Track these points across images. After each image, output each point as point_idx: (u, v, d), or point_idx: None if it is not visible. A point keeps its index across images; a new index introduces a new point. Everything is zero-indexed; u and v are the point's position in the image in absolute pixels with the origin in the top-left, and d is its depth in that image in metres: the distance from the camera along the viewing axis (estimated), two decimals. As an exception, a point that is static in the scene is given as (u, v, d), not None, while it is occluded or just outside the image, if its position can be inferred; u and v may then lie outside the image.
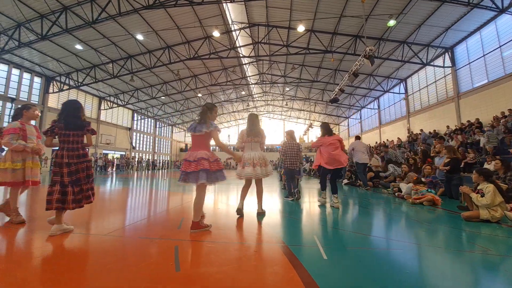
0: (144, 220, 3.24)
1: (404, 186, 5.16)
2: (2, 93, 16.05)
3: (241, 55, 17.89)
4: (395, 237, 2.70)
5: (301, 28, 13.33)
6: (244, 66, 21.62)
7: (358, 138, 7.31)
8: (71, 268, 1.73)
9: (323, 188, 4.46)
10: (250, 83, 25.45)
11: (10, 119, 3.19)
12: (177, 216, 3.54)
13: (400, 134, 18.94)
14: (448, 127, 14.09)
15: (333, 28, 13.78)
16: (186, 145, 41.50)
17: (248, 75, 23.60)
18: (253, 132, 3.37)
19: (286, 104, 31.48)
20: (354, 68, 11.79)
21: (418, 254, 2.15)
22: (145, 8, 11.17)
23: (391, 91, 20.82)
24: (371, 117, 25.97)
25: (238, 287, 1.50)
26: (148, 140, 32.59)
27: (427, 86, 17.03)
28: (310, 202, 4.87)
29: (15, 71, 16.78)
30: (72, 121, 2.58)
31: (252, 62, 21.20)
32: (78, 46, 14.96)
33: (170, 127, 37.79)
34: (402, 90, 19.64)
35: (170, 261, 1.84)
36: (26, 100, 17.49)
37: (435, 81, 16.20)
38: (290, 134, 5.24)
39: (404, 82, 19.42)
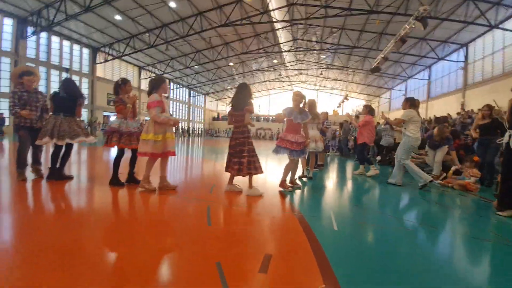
0: (183, 183, 3.81)
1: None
2: (58, 64, 17.98)
3: (274, 20, 16.77)
4: (408, 218, 2.70)
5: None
6: (277, 31, 20.35)
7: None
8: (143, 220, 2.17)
9: (370, 162, 5.30)
10: (283, 50, 24.11)
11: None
12: (209, 182, 4.02)
13: (451, 110, 16.73)
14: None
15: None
16: (218, 114, 42.70)
17: (281, 42, 22.28)
18: (315, 116, 4.35)
19: (321, 74, 29.50)
20: (402, 33, 10.32)
21: (427, 236, 2.14)
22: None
23: (446, 58, 17.95)
24: (418, 88, 23.13)
25: (254, 242, 1.83)
26: (183, 108, 34.26)
27: (492, 53, 14.22)
28: (337, 178, 4.92)
29: (66, 43, 18.39)
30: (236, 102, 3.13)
31: (286, 27, 19.78)
32: (118, 17, 15.56)
33: (203, 96, 38.84)
34: (461, 58, 16.78)
35: (204, 218, 2.25)
36: (78, 70, 19.41)
37: (503, 48, 13.40)
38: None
39: (464, 48, 16.47)
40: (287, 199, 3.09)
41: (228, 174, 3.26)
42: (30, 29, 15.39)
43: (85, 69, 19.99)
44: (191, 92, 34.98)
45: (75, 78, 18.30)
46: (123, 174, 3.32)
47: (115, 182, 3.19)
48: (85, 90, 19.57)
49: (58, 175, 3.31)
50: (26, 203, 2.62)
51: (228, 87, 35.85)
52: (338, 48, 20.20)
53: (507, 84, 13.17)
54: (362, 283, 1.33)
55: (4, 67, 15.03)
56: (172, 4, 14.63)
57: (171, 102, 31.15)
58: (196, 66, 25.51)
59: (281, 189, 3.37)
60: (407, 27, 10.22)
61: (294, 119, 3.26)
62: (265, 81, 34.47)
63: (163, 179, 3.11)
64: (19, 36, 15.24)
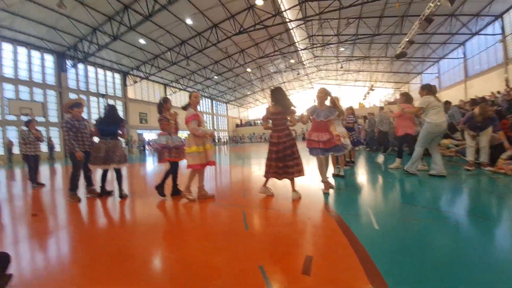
0: (217, 190, 3.97)
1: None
2: (95, 91, 19.92)
3: (287, 20, 16.72)
4: (457, 210, 2.48)
5: (355, -26, 11.35)
6: (291, 31, 20.23)
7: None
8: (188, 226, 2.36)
9: (400, 155, 5.03)
10: (299, 49, 23.84)
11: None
12: (240, 187, 4.17)
13: (493, 87, 15.00)
14: None
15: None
16: (241, 120, 43.39)
17: (296, 41, 22.09)
18: (340, 112, 4.12)
19: (341, 67, 28.49)
20: (427, 12, 9.61)
21: (479, 229, 1.95)
22: (189, -9, 11.47)
23: (481, 32, 16.22)
24: (453, 68, 21.17)
25: (293, 244, 1.85)
26: (207, 118, 35.48)
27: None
28: (371, 174, 4.71)
29: (100, 71, 20.34)
30: (281, 103, 3.09)
31: (300, 25, 19.59)
32: (142, 40, 16.82)
33: (225, 104, 39.87)
34: (498, 30, 15.04)
35: (240, 222, 2.34)
36: (113, 94, 21.28)
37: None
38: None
39: (500, 19, 14.75)
40: (322, 199, 3.05)
41: (259, 179, 3.32)
42: (68, 62, 17.34)
43: (118, 92, 21.85)
44: (213, 102, 36.14)
45: (110, 101, 20.13)
46: (167, 186, 3.56)
47: (160, 191, 3.42)
48: (120, 112, 21.40)
49: (112, 194, 3.71)
50: (89, 218, 2.96)
51: (248, 93, 36.35)
52: (357, 39, 19.39)
53: None
54: (413, 282, 1.27)
55: (50, 99, 17.07)
56: (189, 21, 15.41)
57: (196, 113, 32.54)
58: (216, 77, 26.36)
59: (325, 190, 3.27)
60: (432, 5, 9.49)
61: (317, 116, 3.19)
62: (284, 82, 34.27)
63: (201, 189, 3.28)
64: (60, 69, 17.24)
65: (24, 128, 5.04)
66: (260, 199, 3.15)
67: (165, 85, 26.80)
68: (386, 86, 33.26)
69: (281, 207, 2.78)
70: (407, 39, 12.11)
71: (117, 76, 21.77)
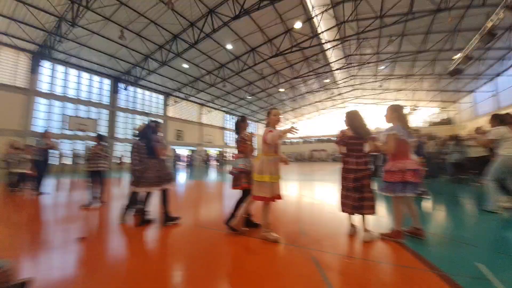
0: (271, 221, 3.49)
1: None
2: (141, 110, 21.74)
3: (323, 42, 16.72)
4: None
5: (401, -9, 10.97)
6: (328, 51, 20.15)
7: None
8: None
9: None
10: (334, 69, 23.53)
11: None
12: (291, 217, 3.69)
13: None
14: None
15: (449, -22, 10.62)
16: (271, 139, 43.31)
17: (331, 61, 21.89)
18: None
19: (380, 86, 27.22)
20: (490, 25, 8.70)
21: None
22: (232, 19, 12.18)
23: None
24: (515, 86, 18.71)
25: None
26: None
27: None
28: (463, 212, 3.96)
29: (147, 93, 22.30)
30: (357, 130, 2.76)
31: (336, 45, 19.45)
32: (185, 65, 18.15)
33: (255, 124, 40.44)
34: None
35: (316, 275, 1.88)
36: (156, 113, 22.98)
37: None
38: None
39: None
40: (408, 247, 2.43)
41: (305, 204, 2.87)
42: (120, 85, 19.31)
43: (160, 111, 23.57)
44: (245, 121, 36.88)
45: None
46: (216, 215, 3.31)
47: (230, 225, 2.87)
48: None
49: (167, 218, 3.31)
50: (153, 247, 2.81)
51: (280, 112, 36.47)
52: (399, 57, 18.48)
53: None
54: None
55: (102, 117, 18.94)
56: (229, 46, 16.28)
57: (227, 132, 33.38)
58: (249, 97, 27.08)
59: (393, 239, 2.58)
60: (495, 18, 8.57)
61: (408, 137, 2.58)
62: (317, 102, 33.82)
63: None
64: (113, 91, 19.23)
65: (90, 144, 5.33)
66: (323, 239, 2.67)
67: (201, 104, 28.25)
68: (431, 106, 30.70)
69: (359, 254, 2.28)
70: (465, 54, 11.04)
71: (161, 97, 23.62)
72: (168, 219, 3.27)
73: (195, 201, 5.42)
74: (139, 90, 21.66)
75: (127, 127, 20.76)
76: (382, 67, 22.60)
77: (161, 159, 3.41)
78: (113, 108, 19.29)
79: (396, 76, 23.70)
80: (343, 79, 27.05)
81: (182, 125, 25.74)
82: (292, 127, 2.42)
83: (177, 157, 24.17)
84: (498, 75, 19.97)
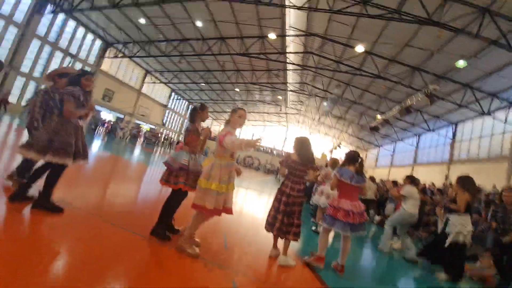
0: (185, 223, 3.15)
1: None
2: (64, 48, 17.50)
3: (287, 61, 17.74)
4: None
5: (360, 49, 12.81)
6: (288, 71, 21.46)
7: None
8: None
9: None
10: (289, 89, 25.24)
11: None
12: (215, 225, 3.21)
13: (434, 179, 17.57)
14: (494, 186, 12.74)
15: (393, 54, 13.11)
16: (210, 132, 42.34)
17: (289, 82, 23.40)
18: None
19: (319, 119, 30.78)
20: (409, 103, 11.11)
21: None
22: (214, -3, 11.45)
23: (436, 131, 19.43)
24: (406, 152, 24.48)
25: None
26: (178, 120, 33.75)
27: (480, 137, 15.57)
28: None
29: (81, 30, 18.17)
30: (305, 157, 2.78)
31: (297, 69, 20.97)
32: (142, 20, 15.79)
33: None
34: (450, 134, 18.22)
35: None
36: (84, 58, 18.92)
37: (492, 135, 14.73)
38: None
39: (453, 126, 18.00)
40: (309, 273, 2.66)
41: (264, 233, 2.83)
42: (48, 6, 14.87)
43: (91, 59, 19.57)
44: (190, 106, 34.91)
45: (78, 65, 17.76)
46: (151, 216, 2.60)
47: (161, 233, 2.38)
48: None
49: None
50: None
51: (227, 110, 36.21)
52: (341, 100, 21.42)
53: (492, 168, 14.19)
54: None
55: (9, 37, 14.32)
56: (199, 23, 15.17)
57: (168, 111, 30.71)
58: (203, 84, 25.83)
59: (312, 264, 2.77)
60: (414, 98, 11.04)
61: (354, 181, 2.77)
62: (265, 112, 35.30)
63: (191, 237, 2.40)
64: (34, 10, 14.74)
65: None
66: (249, 259, 2.64)
67: (147, 71, 25.11)
68: (350, 147, 36.72)
69: (281, 279, 2.34)
70: (384, 118, 13.68)
71: (98, 43, 19.68)
72: (43, 204, 2.30)
73: (101, 183, 4.43)
74: (71, 23, 17.40)
75: (38, 62, 16.26)
76: (325, 104, 25.67)
77: (77, 124, 2.48)
78: (27, 30, 14.77)
79: (333, 116, 27.34)
80: (293, 101, 29.27)
81: (115, 86, 22.06)
82: (258, 140, 2.12)
83: (100, 121, 20.34)
84: (398, 140, 25.71)
